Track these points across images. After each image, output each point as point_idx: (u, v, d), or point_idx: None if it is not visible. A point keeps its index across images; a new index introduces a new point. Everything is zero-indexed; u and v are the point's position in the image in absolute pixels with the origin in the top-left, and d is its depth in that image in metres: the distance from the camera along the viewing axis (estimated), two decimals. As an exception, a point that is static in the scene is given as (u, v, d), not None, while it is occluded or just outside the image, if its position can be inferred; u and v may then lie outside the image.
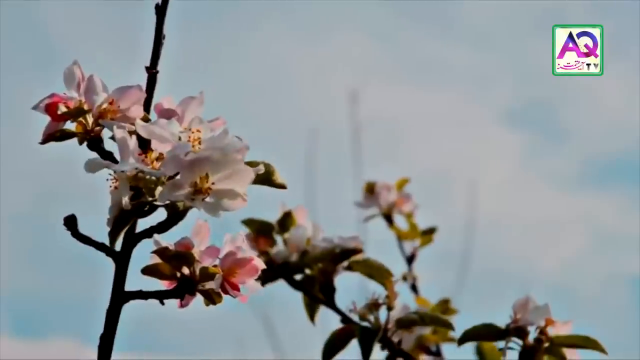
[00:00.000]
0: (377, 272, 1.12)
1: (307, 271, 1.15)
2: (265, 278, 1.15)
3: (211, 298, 0.74)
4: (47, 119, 0.75)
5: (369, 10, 2.47)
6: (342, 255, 1.13)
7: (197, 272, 0.74)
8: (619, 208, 2.53)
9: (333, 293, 1.14)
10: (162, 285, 0.75)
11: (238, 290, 0.74)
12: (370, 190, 1.48)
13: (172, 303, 0.76)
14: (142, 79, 0.78)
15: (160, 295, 0.75)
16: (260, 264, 0.75)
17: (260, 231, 1.17)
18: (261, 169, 0.72)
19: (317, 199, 2.03)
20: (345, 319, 1.11)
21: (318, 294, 1.14)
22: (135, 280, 0.77)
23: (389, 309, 1.07)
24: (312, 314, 1.16)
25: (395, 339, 1.10)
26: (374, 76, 2.40)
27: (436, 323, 1.11)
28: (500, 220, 2.44)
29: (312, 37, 2.56)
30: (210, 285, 0.74)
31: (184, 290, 0.74)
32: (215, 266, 0.74)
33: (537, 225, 2.52)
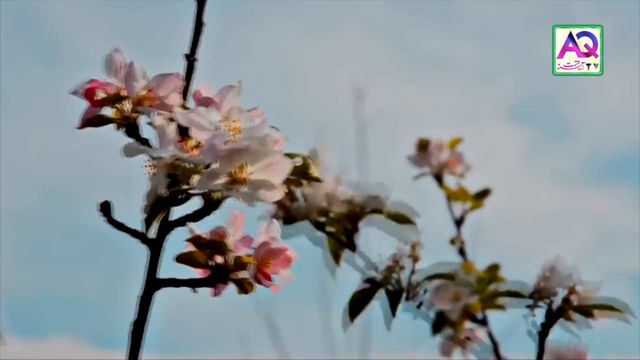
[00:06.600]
0: (402, 218, 1.10)
1: (329, 229, 1.12)
2: (286, 222, 1.13)
3: (244, 287, 0.74)
4: (81, 105, 0.75)
5: (373, 7, 2.47)
6: (363, 213, 1.11)
7: (231, 261, 0.74)
8: (621, 205, 2.54)
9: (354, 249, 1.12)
10: (195, 273, 0.76)
11: (271, 280, 0.74)
12: (424, 147, 1.41)
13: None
14: (175, 68, 0.78)
15: (193, 283, 0.75)
16: (293, 254, 0.75)
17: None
18: (299, 161, 0.72)
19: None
20: (369, 264, 1.09)
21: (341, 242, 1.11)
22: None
23: (414, 260, 1.05)
24: (337, 258, 1.12)
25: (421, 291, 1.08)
26: (378, 72, 2.40)
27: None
28: (502, 217, 2.44)
29: (317, 33, 2.56)
30: (243, 274, 0.74)
31: (216, 278, 0.75)
32: (249, 256, 0.74)
33: (539, 222, 2.53)
